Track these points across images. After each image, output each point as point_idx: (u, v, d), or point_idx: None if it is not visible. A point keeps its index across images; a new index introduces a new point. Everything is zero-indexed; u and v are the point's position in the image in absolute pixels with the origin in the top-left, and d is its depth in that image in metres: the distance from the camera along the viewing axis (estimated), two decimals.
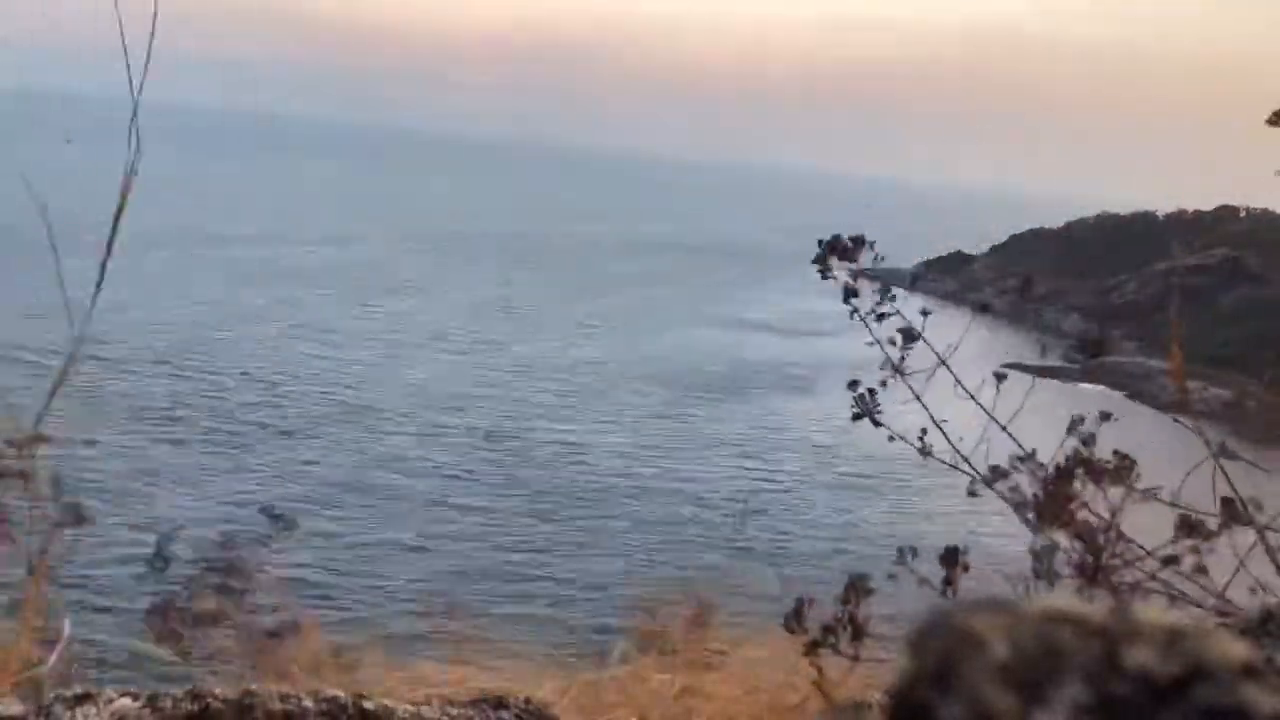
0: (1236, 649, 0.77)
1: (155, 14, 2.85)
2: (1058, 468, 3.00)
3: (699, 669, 4.16)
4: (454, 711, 2.76)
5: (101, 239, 3.01)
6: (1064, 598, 0.80)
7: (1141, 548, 2.90)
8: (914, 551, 3.18)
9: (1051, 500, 2.92)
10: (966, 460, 3.20)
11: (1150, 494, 2.96)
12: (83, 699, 2.46)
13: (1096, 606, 0.79)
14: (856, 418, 3.49)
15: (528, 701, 2.93)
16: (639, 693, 3.91)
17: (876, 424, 3.44)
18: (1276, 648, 2.41)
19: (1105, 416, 3.17)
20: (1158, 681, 0.74)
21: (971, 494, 3.19)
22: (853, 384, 3.48)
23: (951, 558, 3.02)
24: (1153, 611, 0.80)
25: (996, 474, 3.13)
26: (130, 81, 2.82)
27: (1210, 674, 0.75)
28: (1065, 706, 0.73)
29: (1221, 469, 3.01)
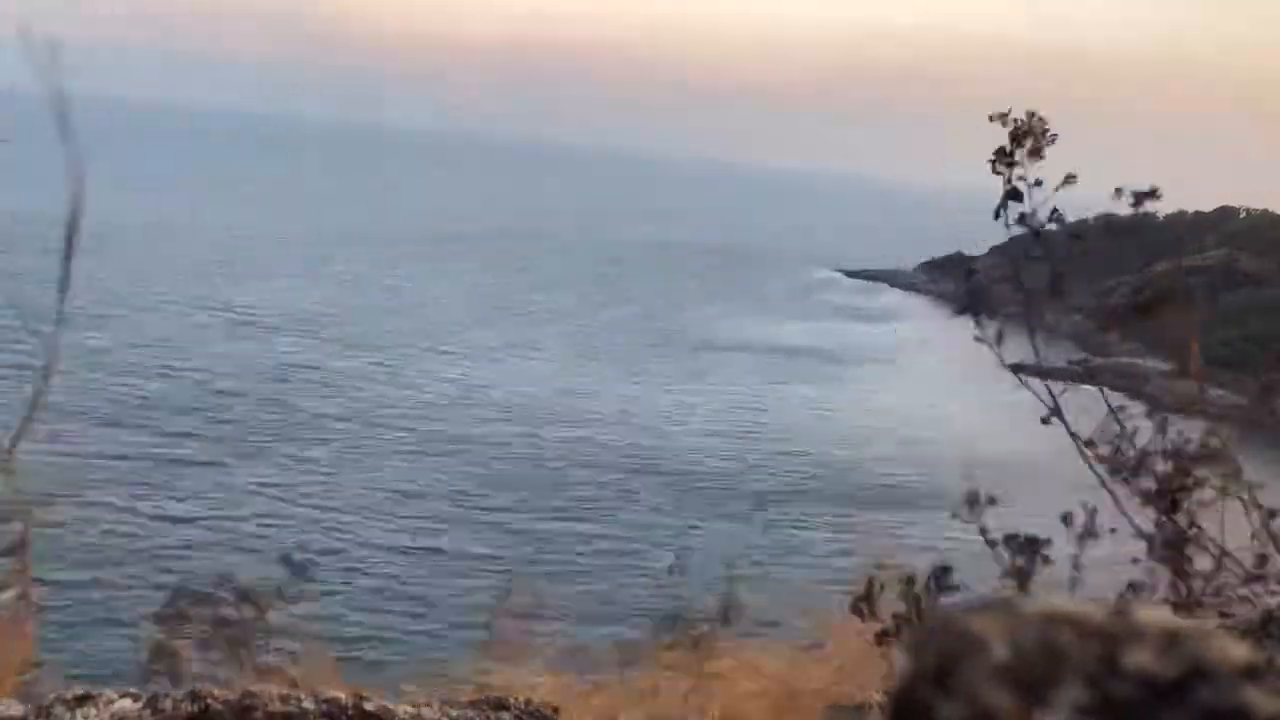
0: (1237, 650, 0.77)
1: None
2: (1169, 473, 2.91)
3: (707, 670, 4.16)
4: (454, 712, 2.76)
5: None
6: (1065, 598, 0.80)
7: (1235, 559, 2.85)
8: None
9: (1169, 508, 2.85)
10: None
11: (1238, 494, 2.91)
12: (83, 699, 2.45)
13: (1097, 607, 0.79)
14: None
15: (528, 702, 2.92)
16: (644, 693, 3.91)
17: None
18: (1277, 648, 2.40)
19: (1115, 412, 3.14)
20: (1158, 682, 0.74)
21: (1101, 472, 3.05)
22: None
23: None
24: (1153, 612, 0.79)
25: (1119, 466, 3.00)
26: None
27: (1210, 675, 0.75)
28: (1065, 707, 0.73)
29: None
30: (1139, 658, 0.75)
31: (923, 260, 80.00)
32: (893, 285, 79.67)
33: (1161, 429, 3.03)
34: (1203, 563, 2.84)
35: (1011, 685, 0.74)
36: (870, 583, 3.10)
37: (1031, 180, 3.16)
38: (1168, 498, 2.90)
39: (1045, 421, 3.15)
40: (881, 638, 3.04)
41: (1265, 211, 73.11)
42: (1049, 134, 3.17)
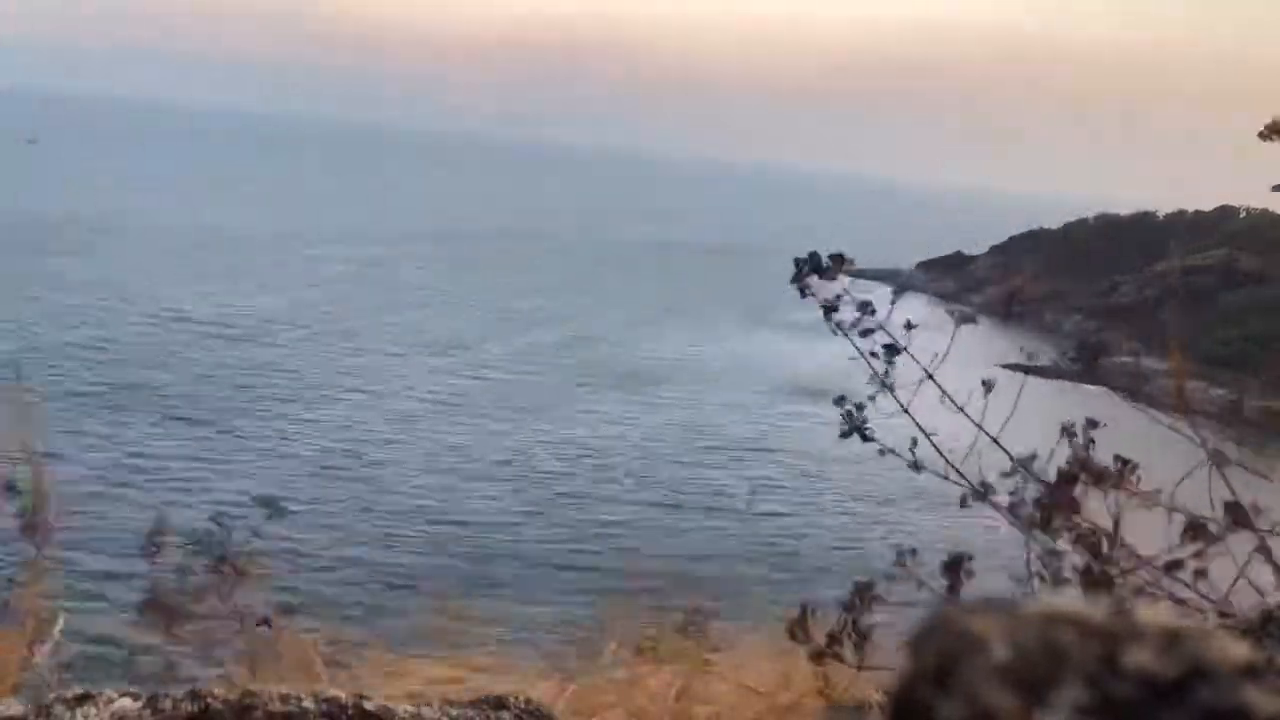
0: (1237, 650, 0.77)
1: None
2: (1060, 473, 2.97)
3: (695, 670, 4.16)
4: (454, 712, 2.76)
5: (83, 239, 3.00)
6: (1065, 598, 0.80)
7: (1138, 555, 2.88)
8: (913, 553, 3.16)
9: (1053, 506, 2.89)
10: (958, 470, 3.18)
11: (1151, 498, 2.94)
12: (83, 699, 2.45)
13: (1097, 607, 0.79)
14: (845, 435, 3.39)
15: (528, 702, 2.92)
16: (637, 694, 3.91)
17: (866, 438, 3.37)
18: (1277, 648, 2.40)
19: (1093, 424, 3.15)
20: (1158, 682, 0.74)
21: (964, 505, 3.16)
22: (840, 400, 3.40)
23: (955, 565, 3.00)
24: (1153, 612, 0.80)
25: (987, 488, 3.10)
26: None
27: (1210, 675, 0.75)
28: (1065, 707, 0.73)
29: (1220, 472, 3.01)
30: (1139, 657, 0.75)
31: (921, 259, 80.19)
32: (895, 285, 79.37)
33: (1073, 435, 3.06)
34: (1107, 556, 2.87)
35: (1012, 685, 0.75)
36: (804, 606, 3.14)
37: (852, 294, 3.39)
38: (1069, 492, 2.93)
39: (964, 505, 3.18)
40: (817, 657, 3.08)
41: (1265, 211, 73.14)
42: (843, 263, 3.45)
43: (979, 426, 3.28)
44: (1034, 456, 3.07)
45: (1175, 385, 3.40)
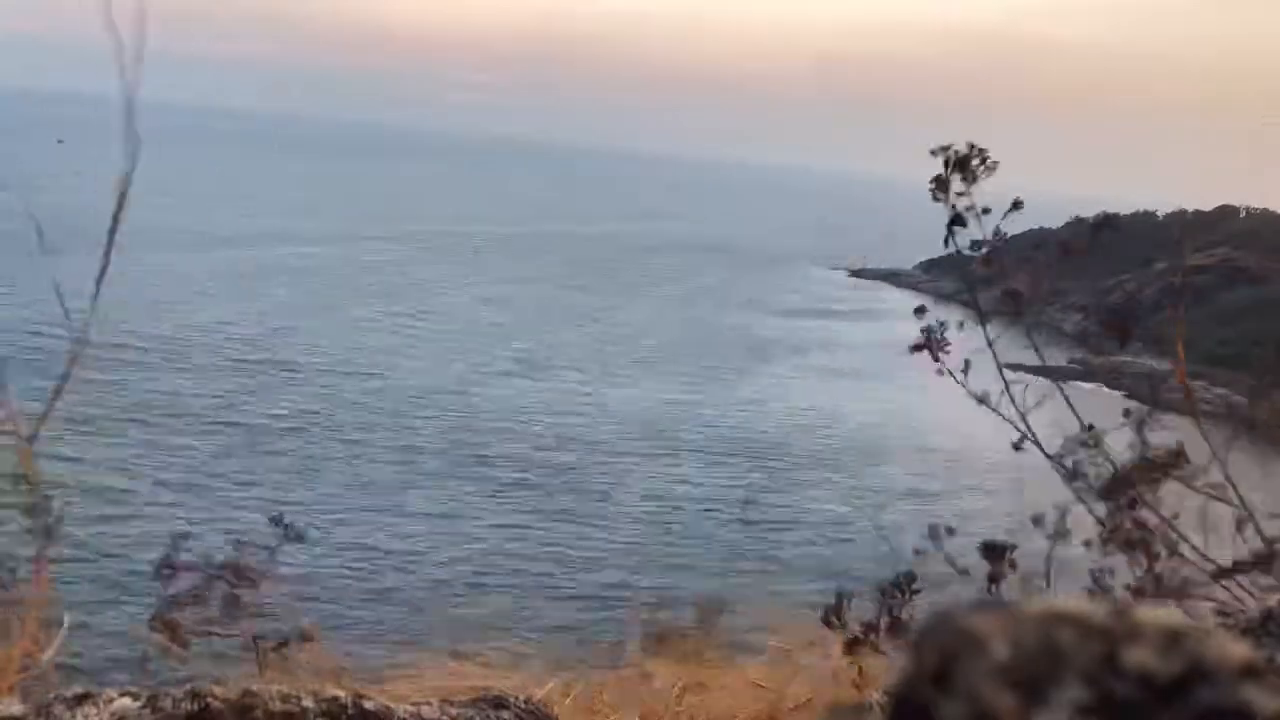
0: (1236, 649, 0.77)
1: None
2: (1121, 472, 2.95)
3: (701, 668, 4.16)
4: (454, 711, 2.76)
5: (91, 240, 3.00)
6: (1065, 598, 0.80)
7: (1206, 556, 2.86)
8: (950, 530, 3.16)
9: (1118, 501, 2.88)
10: (1051, 458, 3.17)
11: (1215, 494, 2.93)
12: (83, 699, 2.45)
13: (1097, 607, 0.79)
14: (916, 349, 3.44)
15: (528, 701, 2.92)
16: (642, 692, 3.92)
17: (936, 358, 3.42)
18: (1277, 648, 2.40)
19: (1126, 414, 3.15)
20: (1158, 682, 0.74)
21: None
22: (919, 310, 3.44)
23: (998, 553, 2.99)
24: (1153, 611, 0.79)
25: (1077, 473, 3.08)
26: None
27: (1210, 674, 0.75)
28: (1065, 707, 0.73)
29: (1223, 469, 3.01)
30: (1139, 657, 0.75)
31: (922, 259, 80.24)
32: (896, 285, 79.88)
33: (1139, 430, 3.05)
34: (1165, 557, 2.86)
35: (1011, 684, 0.74)
36: (839, 595, 3.14)
37: (978, 206, 3.28)
38: (1126, 494, 2.92)
39: (1017, 448, 3.19)
40: (851, 646, 3.07)
41: (1265, 211, 73.30)
42: (986, 163, 3.24)
43: (1023, 418, 3.28)
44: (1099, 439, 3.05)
45: (1179, 383, 3.40)
